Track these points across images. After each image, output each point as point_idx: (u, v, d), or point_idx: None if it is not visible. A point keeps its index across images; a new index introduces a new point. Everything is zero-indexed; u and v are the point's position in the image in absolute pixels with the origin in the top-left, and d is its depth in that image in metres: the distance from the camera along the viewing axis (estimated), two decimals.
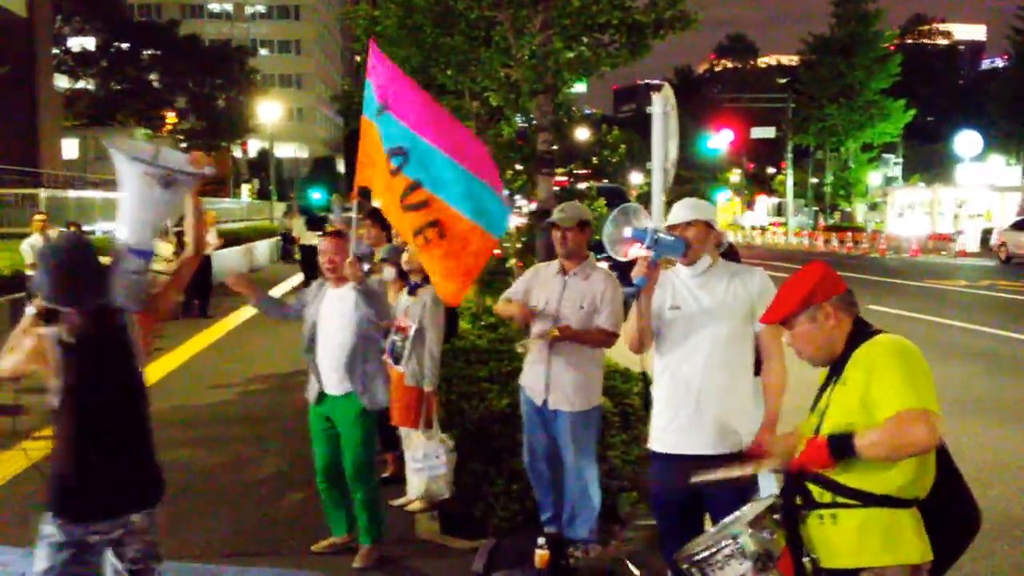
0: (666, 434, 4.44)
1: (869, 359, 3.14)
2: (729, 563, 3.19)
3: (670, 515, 4.41)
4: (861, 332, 3.27)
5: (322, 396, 5.93)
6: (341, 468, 5.98)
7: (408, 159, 5.66)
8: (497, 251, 13.96)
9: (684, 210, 4.46)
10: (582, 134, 19.18)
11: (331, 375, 5.86)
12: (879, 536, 3.11)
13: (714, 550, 3.22)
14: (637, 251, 4.25)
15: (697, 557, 3.26)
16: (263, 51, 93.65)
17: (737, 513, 3.42)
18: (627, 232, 4.30)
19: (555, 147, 11.44)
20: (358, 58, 15.56)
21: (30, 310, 3.61)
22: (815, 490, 3.20)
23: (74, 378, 3.63)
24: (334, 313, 5.86)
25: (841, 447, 3.08)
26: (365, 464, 5.93)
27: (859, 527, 3.13)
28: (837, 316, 3.29)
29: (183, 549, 6.17)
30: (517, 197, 16.05)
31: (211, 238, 18.42)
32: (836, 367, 3.27)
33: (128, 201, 3.99)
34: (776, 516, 3.25)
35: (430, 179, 5.61)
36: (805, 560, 3.24)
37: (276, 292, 22.23)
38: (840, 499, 3.15)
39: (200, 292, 17.99)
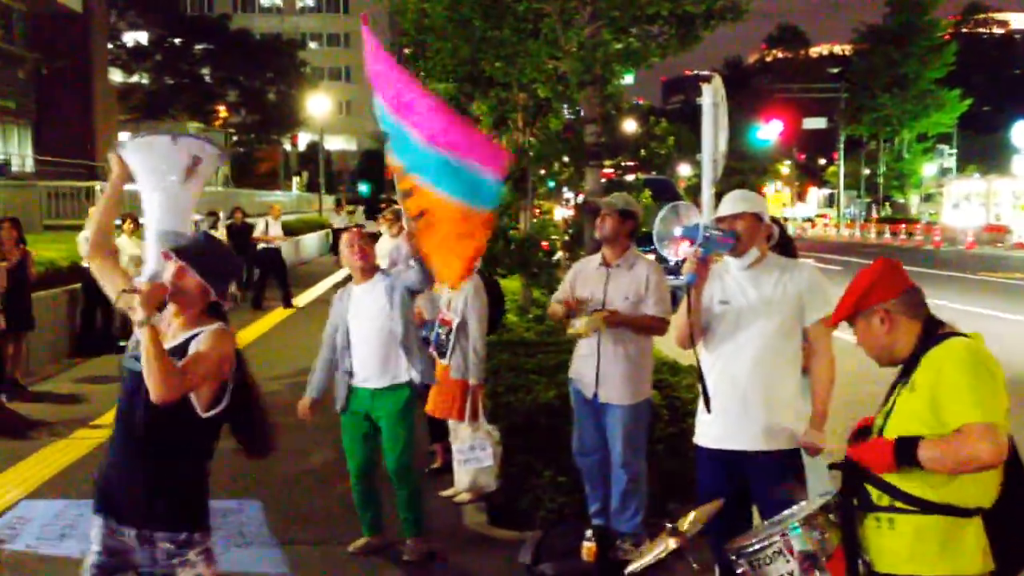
0: (713, 429, 4.42)
1: (937, 365, 3.01)
2: (777, 559, 3.15)
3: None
4: (931, 334, 3.12)
5: (357, 396, 5.84)
6: (376, 468, 5.92)
7: (392, 144, 5.69)
8: (544, 243, 13.96)
9: (733, 202, 4.42)
10: (630, 126, 19.10)
11: (373, 368, 5.78)
12: (936, 544, 3.01)
13: (764, 544, 3.19)
14: (687, 249, 4.21)
15: (747, 550, 3.23)
16: (312, 44, 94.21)
17: (792, 509, 3.37)
18: (677, 231, 4.25)
19: (603, 139, 11.42)
20: (407, 51, 15.60)
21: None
22: (873, 492, 3.11)
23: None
24: (368, 308, 5.79)
25: (906, 454, 2.97)
26: (410, 459, 5.89)
27: (916, 533, 3.03)
28: (892, 320, 3.15)
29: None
30: (564, 189, 16.04)
31: (277, 230, 18.64)
32: (907, 369, 3.14)
33: (155, 199, 3.75)
34: (831, 516, 3.18)
35: (411, 165, 5.59)
36: (858, 562, 3.17)
37: (324, 286, 22.41)
38: (898, 503, 3.06)
39: (281, 283, 18.27)
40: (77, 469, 7.83)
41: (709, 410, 4.33)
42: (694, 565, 3.49)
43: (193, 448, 3.60)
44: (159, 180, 3.74)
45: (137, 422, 3.46)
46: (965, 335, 3.12)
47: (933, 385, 2.99)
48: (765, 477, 4.23)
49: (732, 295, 4.38)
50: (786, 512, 3.39)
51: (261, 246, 18.49)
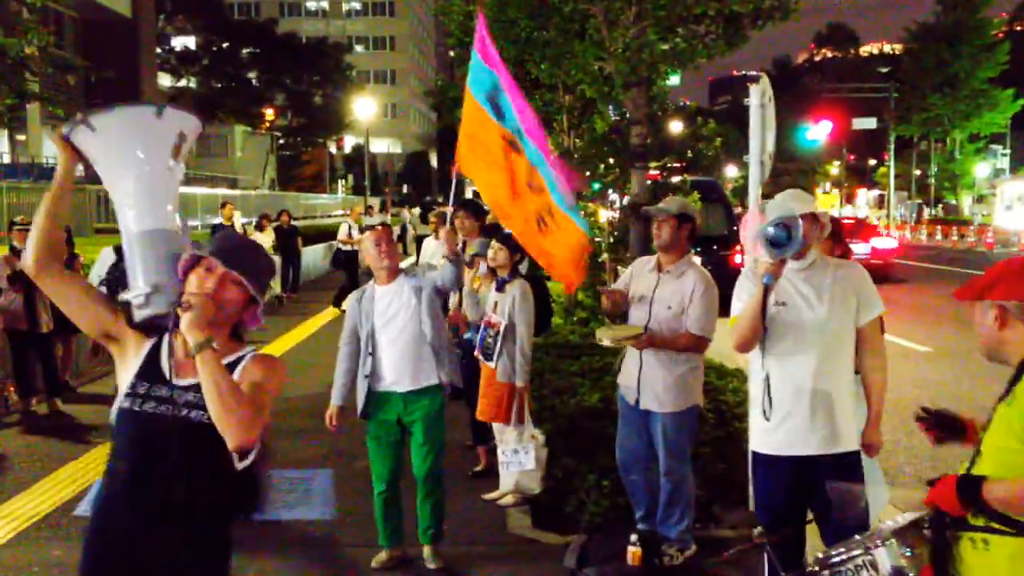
0: (776, 435, 4.32)
1: None
2: (860, 573, 3.07)
3: (775, 517, 4.29)
4: None
5: (387, 401, 5.63)
6: (402, 475, 5.74)
7: (522, 144, 5.73)
8: (589, 245, 13.89)
9: (794, 202, 4.33)
10: (676, 127, 18.97)
11: (404, 371, 5.59)
12: None
13: (849, 555, 3.11)
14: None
15: (831, 560, 3.16)
16: (358, 47, 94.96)
17: (887, 523, 3.23)
18: (770, 231, 4.11)
19: (648, 140, 11.34)
20: (452, 53, 15.64)
21: None
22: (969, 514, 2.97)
23: None
24: (396, 309, 5.59)
25: (968, 495, 2.84)
26: (440, 464, 5.74)
27: (1011, 557, 2.88)
28: (1007, 320, 2.97)
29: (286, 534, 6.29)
30: (610, 191, 15.98)
31: (355, 233, 18.78)
32: (1015, 378, 2.96)
33: (132, 190, 2.95)
34: (924, 531, 3.04)
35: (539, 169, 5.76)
36: None
37: None
38: (994, 524, 2.90)
39: (352, 285, 18.43)
40: None
41: (768, 417, 4.25)
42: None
43: (228, 509, 2.95)
44: (135, 166, 2.94)
45: (172, 477, 2.80)
46: None
47: None
48: (830, 480, 4.15)
49: (789, 296, 4.28)
50: (883, 525, 3.25)
51: (345, 248, 18.74)
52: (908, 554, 3.03)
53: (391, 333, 5.58)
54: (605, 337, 5.60)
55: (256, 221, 21.42)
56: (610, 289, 5.84)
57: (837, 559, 3.15)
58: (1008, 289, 2.98)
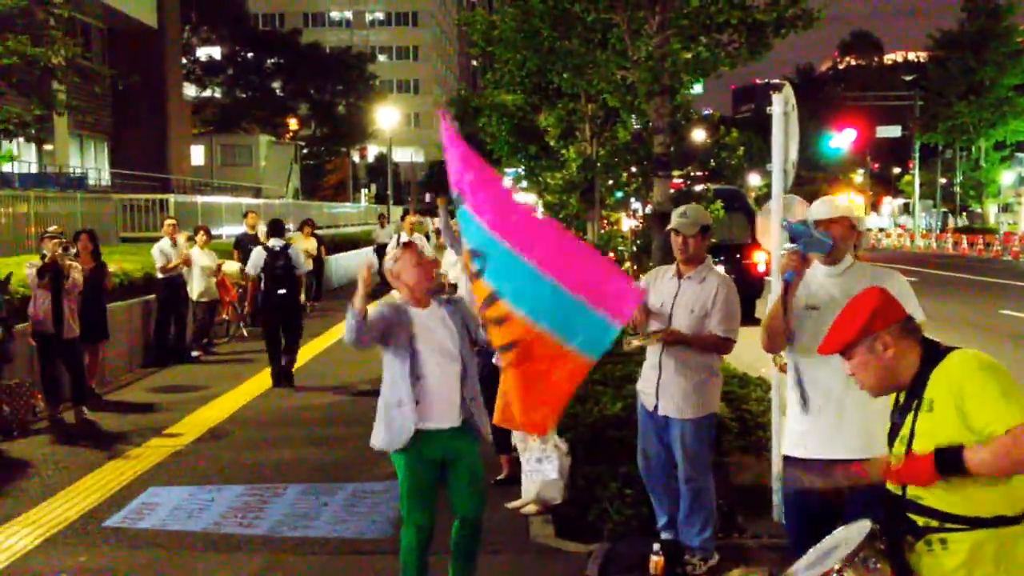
0: (808, 439, 4.31)
1: (953, 379, 3.02)
2: None
3: (803, 522, 4.28)
4: (933, 353, 3.14)
5: (431, 440, 5.01)
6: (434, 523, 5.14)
7: (486, 264, 4.77)
8: (611, 254, 13.89)
9: (829, 206, 4.35)
10: (699, 135, 18.95)
11: (449, 406, 5.06)
12: (991, 558, 3.00)
13: None
14: (788, 246, 4.16)
15: None
16: (381, 57, 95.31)
17: (836, 538, 3.26)
18: (800, 227, 4.15)
19: (671, 149, 11.33)
20: (475, 63, 15.72)
21: None
22: (918, 520, 3.10)
23: None
24: (439, 337, 5.05)
25: (950, 462, 2.97)
26: (485, 504, 5.29)
27: (971, 550, 3.01)
28: (897, 344, 3.16)
29: (306, 545, 6.33)
30: (632, 200, 15.98)
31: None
32: (913, 391, 3.15)
33: None
34: (880, 544, 3.10)
35: (511, 291, 4.73)
36: None
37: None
38: (948, 524, 3.04)
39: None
40: (151, 477, 7.98)
41: (807, 411, 4.25)
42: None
43: None
44: None
45: None
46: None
47: (956, 398, 2.99)
48: (861, 486, 4.13)
49: (821, 301, 4.28)
50: (832, 540, 3.28)
51: None
52: (869, 570, 3.04)
53: (435, 363, 5.02)
54: (633, 340, 5.61)
55: (299, 226, 21.70)
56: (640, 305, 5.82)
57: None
58: (884, 318, 3.17)
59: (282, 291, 11.57)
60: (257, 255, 11.75)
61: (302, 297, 12.54)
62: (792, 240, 4.19)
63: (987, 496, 2.98)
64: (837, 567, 3.09)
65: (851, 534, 3.19)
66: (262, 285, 11.66)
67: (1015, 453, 2.88)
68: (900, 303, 3.26)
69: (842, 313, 3.29)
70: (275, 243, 11.89)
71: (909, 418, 3.14)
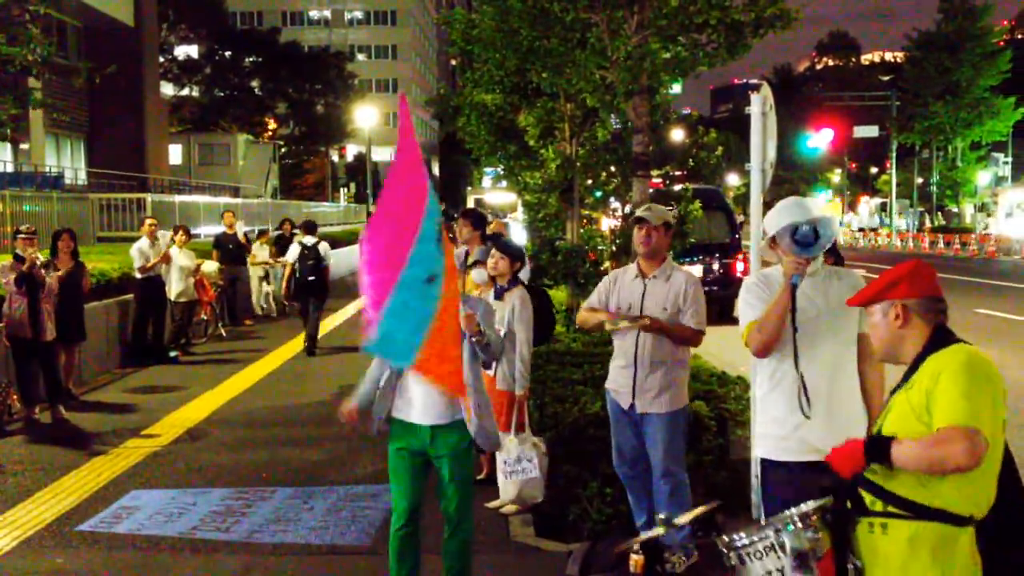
0: (791, 442, 4.34)
1: (937, 368, 3.05)
2: (768, 555, 3.16)
3: None
4: (939, 341, 3.15)
5: (414, 433, 5.09)
6: (422, 513, 5.25)
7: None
8: (591, 254, 13.89)
9: (802, 209, 4.38)
10: (678, 135, 18.98)
11: (438, 403, 5.04)
12: (928, 551, 3.02)
13: (755, 539, 3.20)
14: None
15: (738, 543, 3.23)
16: (360, 56, 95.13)
17: (790, 510, 3.32)
18: (804, 229, 4.20)
19: (650, 149, 11.35)
20: (454, 62, 15.71)
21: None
22: (867, 497, 3.14)
23: None
24: None
25: (877, 451, 3.02)
26: (471, 503, 5.31)
27: (909, 540, 3.04)
28: (908, 318, 3.18)
29: (285, 547, 6.29)
30: (611, 199, 15.99)
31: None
32: (909, 372, 3.17)
33: None
34: (827, 517, 3.19)
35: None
36: (849, 566, 3.18)
37: None
38: (892, 508, 3.07)
39: None
40: (128, 478, 7.93)
41: (808, 415, 4.26)
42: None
43: None
44: None
45: None
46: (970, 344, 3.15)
47: (930, 387, 3.02)
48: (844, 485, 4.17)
49: (799, 303, 4.31)
50: (787, 511, 3.33)
51: None
52: (812, 538, 3.12)
53: None
54: (620, 322, 5.63)
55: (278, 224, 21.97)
56: (606, 311, 5.82)
57: (746, 541, 3.22)
58: (909, 288, 3.18)
59: (312, 277, 14.29)
60: (294, 248, 14.78)
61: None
62: (801, 245, 4.21)
63: (932, 486, 2.98)
64: (778, 526, 3.17)
65: (808, 505, 3.25)
66: (296, 273, 14.45)
67: (933, 452, 2.89)
68: (932, 283, 3.24)
69: (882, 273, 3.33)
70: (308, 240, 14.46)
71: (895, 395, 3.18)
